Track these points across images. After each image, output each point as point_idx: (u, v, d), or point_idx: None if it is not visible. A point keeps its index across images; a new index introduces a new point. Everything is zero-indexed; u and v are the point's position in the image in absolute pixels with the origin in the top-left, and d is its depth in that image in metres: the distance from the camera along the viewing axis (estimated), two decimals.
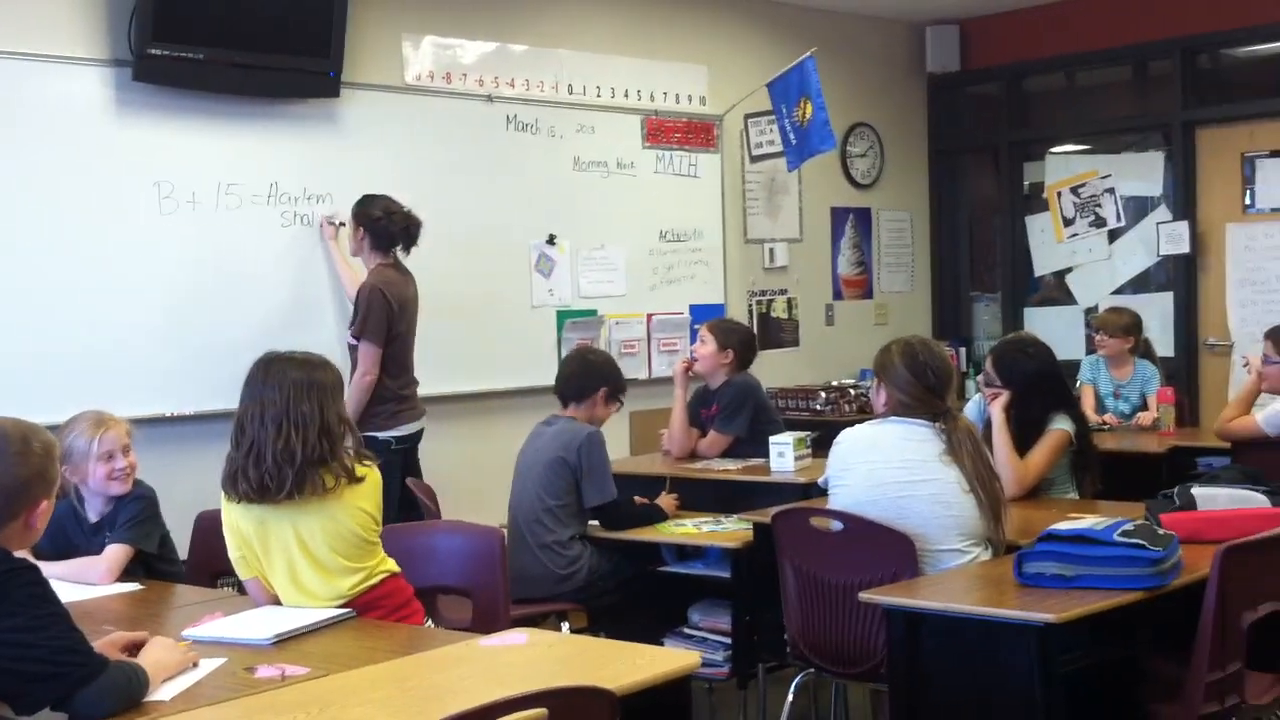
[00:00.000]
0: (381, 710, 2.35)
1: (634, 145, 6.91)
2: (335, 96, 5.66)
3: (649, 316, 6.94)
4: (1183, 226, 7.52)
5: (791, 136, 6.97)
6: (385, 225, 5.26)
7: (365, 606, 3.11)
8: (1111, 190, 7.92)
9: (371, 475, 3.19)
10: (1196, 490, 3.68)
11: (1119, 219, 7.88)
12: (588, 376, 4.70)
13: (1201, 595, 3.05)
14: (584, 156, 6.70)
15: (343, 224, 5.54)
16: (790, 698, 3.87)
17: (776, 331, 7.68)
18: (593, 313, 6.67)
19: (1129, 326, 6.23)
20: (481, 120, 6.28)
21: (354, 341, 5.18)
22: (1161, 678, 3.17)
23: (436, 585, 3.63)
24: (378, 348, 5.12)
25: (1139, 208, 7.83)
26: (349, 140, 5.79)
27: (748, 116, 7.41)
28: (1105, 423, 5.98)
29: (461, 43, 6.23)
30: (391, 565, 3.23)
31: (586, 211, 6.70)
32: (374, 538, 3.19)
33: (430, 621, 3.34)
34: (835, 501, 3.73)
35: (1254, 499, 3.60)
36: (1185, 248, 7.51)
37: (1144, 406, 6.09)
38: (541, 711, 2.09)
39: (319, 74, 5.56)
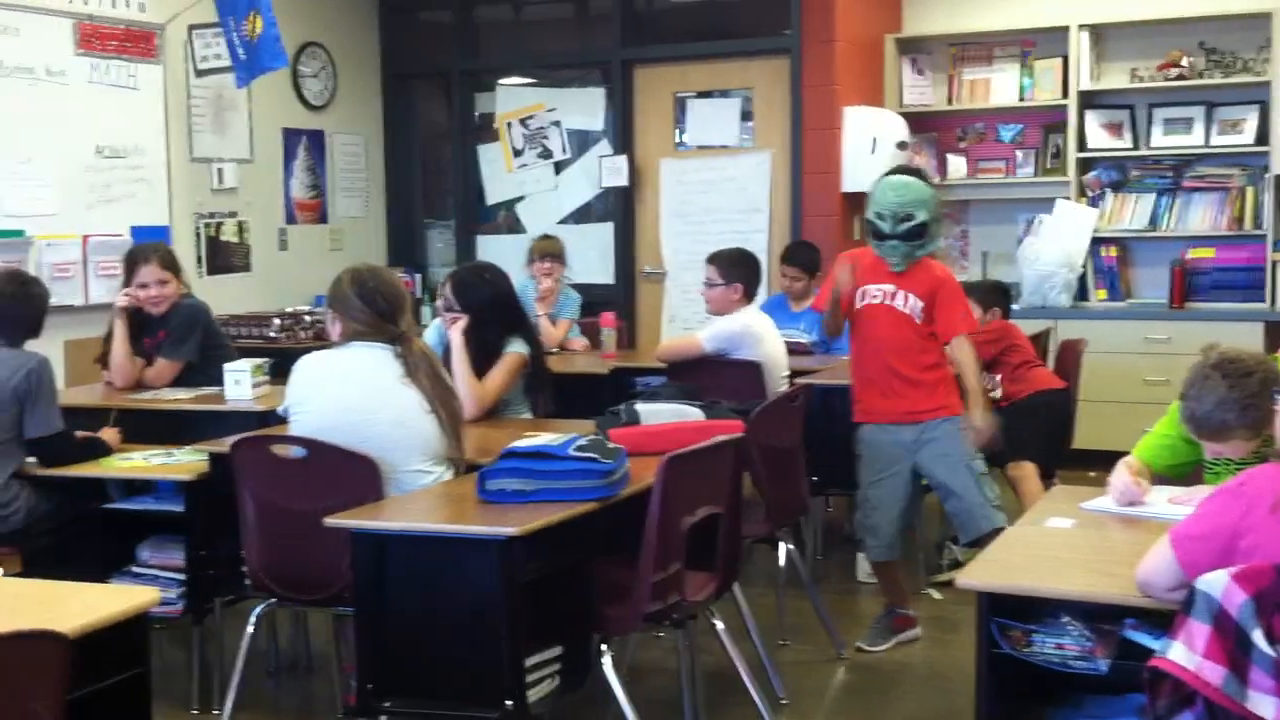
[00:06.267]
0: None
1: (65, 52, 6.38)
2: None
3: (85, 238, 6.46)
4: (622, 160, 7.96)
5: (240, 51, 6.69)
6: None
7: None
8: (558, 123, 8.23)
9: None
10: (640, 406, 3.93)
11: (565, 151, 8.22)
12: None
13: (645, 503, 3.27)
14: (7, 61, 6.10)
15: None
16: (250, 629, 3.77)
17: (227, 256, 7.39)
18: (20, 233, 6.12)
19: (561, 254, 6.52)
20: None
21: None
22: (610, 581, 3.37)
23: None
24: None
25: (583, 141, 8.19)
26: None
27: (193, 27, 7.03)
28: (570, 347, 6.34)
29: None
30: None
31: (9, 122, 6.11)
32: None
33: None
34: (297, 428, 3.66)
35: (691, 413, 3.90)
36: (624, 180, 7.96)
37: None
38: None
39: None
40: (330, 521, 3.17)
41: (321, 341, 5.23)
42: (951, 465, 4.38)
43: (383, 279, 3.78)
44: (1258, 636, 2.16)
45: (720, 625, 3.64)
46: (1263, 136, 6.99)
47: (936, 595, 5.02)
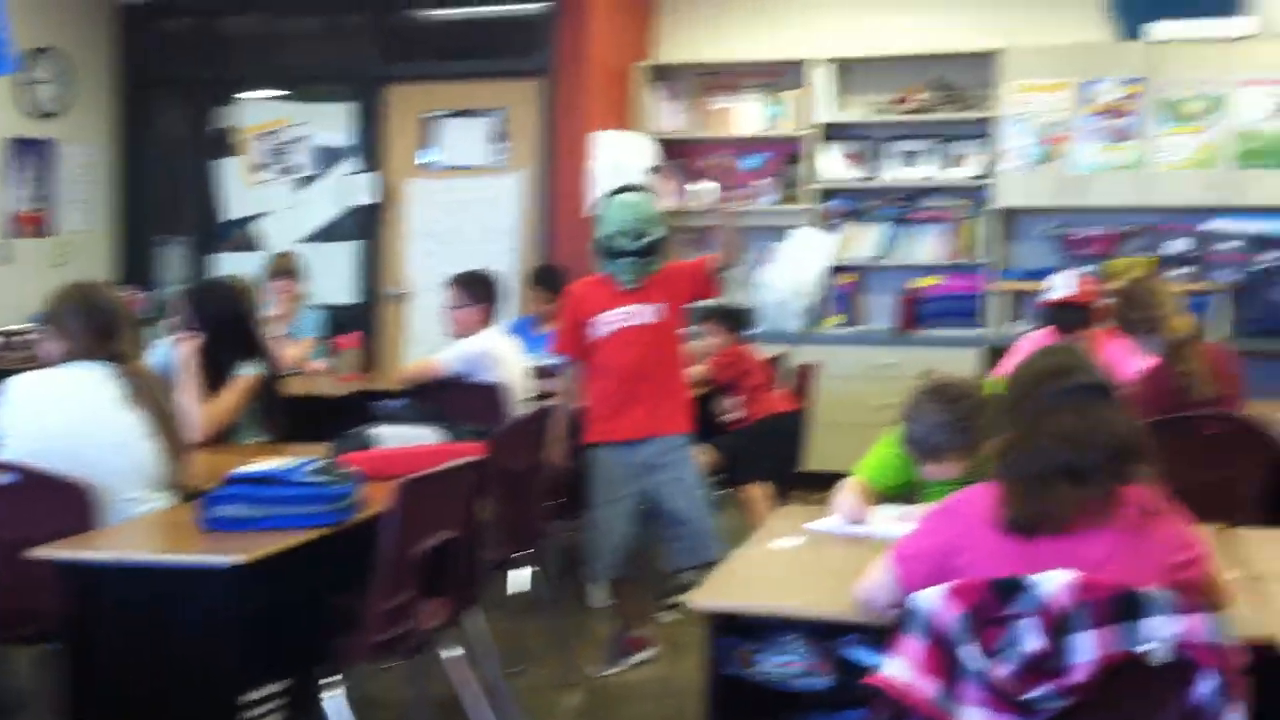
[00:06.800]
0: None
1: None
2: None
3: None
4: (370, 178, 7.83)
5: None
6: None
7: None
8: (304, 139, 8.05)
9: None
10: (376, 430, 3.88)
11: (311, 168, 8.03)
12: None
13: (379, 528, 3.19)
14: None
15: None
16: None
17: None
18: None
19: (296, 271, 6.38)
20: None
21: None
22: (341, 611, 3.27)
23: None
24: None
25: (330, 158, 8.03)
26: None
27: None
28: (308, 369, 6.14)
29: None
30: None
31: None
32: None
33: None
34: (6, 453, 3.44)
35: (428, 436, 3.85)
36: (372, 199, 7.83)
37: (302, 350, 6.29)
38: None
39: None
40: (35, 553, 2.97)
41: (38, 362, 4.94)
42: (686, 491, 4.44)
43: (102, 295, 3.65)
44: (970, 651, 2.23)
45: (450, 653, 3.58)
46: (987, 170, 7.35)
47: (670, 616, 5.06)
